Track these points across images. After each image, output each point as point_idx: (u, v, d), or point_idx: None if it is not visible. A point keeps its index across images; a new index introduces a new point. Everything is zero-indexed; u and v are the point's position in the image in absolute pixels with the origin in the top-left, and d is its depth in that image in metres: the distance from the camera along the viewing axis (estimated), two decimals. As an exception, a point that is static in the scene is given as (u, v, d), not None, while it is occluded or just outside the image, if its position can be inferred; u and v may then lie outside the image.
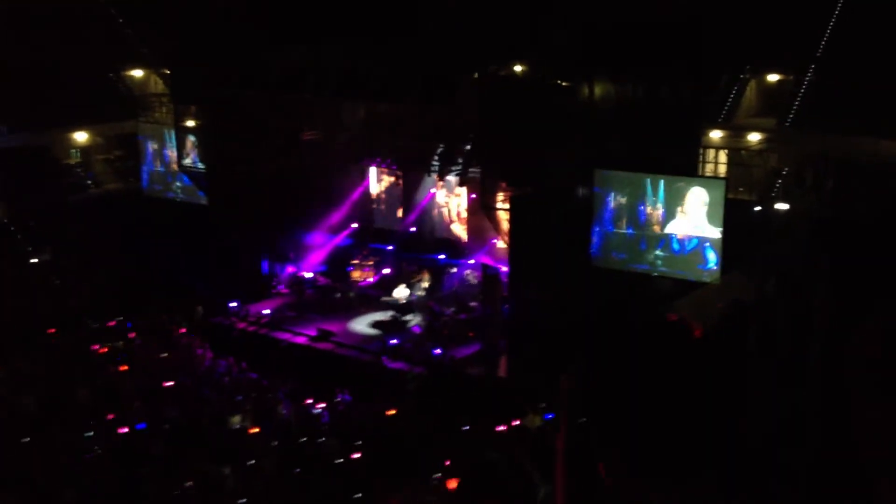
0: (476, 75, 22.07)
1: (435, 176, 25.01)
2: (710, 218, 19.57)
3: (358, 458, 17.35)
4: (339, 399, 20.28)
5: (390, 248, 28.01)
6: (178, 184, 28.13)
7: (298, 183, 26.31)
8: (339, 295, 26.47)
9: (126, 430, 18.41)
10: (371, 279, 27.52)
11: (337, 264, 28.13)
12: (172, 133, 27.25)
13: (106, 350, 22.43)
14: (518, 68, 21.97)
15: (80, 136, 30.04)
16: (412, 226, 27.90)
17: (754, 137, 22.63)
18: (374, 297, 26.31)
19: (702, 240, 19.79)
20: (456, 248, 26.98)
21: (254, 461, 17.16)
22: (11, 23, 28.04)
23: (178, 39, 26.75)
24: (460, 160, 23.08)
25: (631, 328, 18.78)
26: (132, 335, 23.47)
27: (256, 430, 18.85)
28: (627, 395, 16.08)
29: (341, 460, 17.33)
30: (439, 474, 16.19)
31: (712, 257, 19.70)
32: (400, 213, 28.37)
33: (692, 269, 20.09)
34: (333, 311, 25.67)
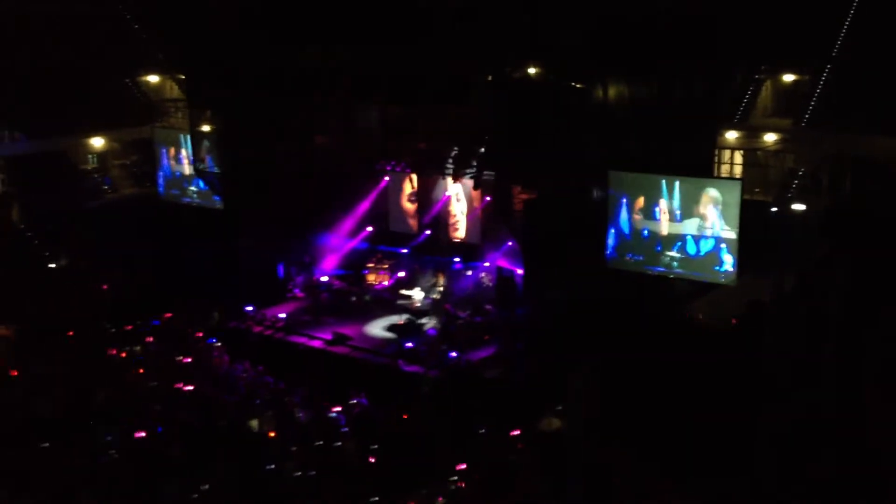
0: (490, 77, 22.05)
1: (449, 178, 25.01)
2: (726, 219, 19.50)
3: (375, 462, 17.35)
4: (355, 402, 20.30)
5: (405, 251, 28.02)
6: (193, 188, 28.25)
7: (313, 186, 26.36)
8: (354, 298, 26.50)
9: (144, 433, 18.49)
10: (386, 282, 27.54)
11: (352, 268, 28.17)
12: (188, 138, 27.37)
13: (124, 354, 22.52)
14: (532, 70, 21.94)
15: (97, 142, 30.24)
16: (427, 229, 27.90)
17: (770, 138, 22.52)
18: (389, 300, 26.33)
19: (717, 241, 19.71)
20: (471, 251, 26.95)
21: (272, 465, 17.19)
22: (28, 30, 28.23)
23: (192, 43, 26.85)
24: (474, 162, 23.07)
25: (647, 329, 18.71)
26: (149, 339, 23.56)
27: (273, 434, 18.89)
28: (642, 395, 16.02)
29: (358, 464, 17.33)
30: (456, 477, 16.18)
31: (728, 259, 19.62)
32: (415, 216, 28.36)
33: (708, 271, 20.02)
34: (349, 314, 25.70)
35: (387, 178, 28.13)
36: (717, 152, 21.75)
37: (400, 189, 28.52)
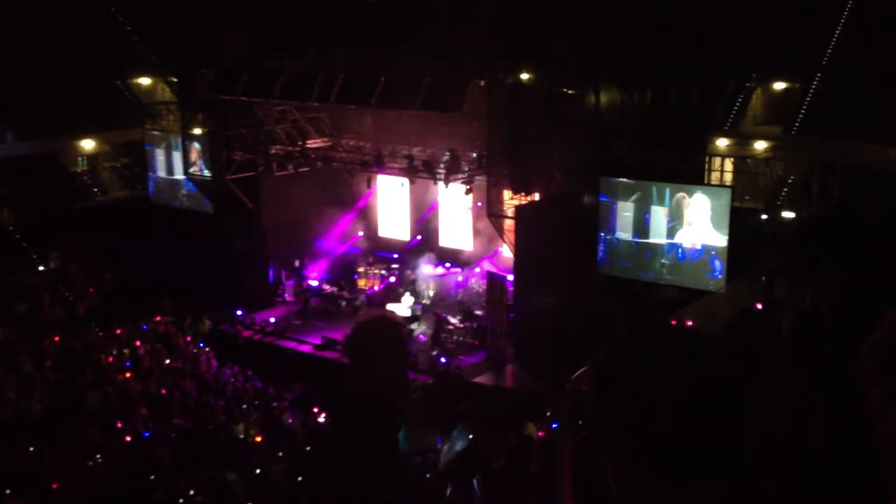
0: (483, 83, 22.08)
1: (441, 184, 24.99)
2: (716, 226, 19.54)
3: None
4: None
5: (396, 256, 27.97)
6: (184, 191, 28.15)
7: (304, 191, 26.31)
8: (344, 303, 26.43)
9: (132, 436, 18.41)
10: (376, 287, 27.47)
11: (343, 272, 28.10)
12: (179, 141, 27.30)
13: (112, 357, 22.42)
14: (525, 76, 21.98)
15: (88, 144, 30.14)
16: (418, 234, 27.87)
17: (760, 145, 22.61)
18: (379, 305, 26.25)
19: (708, 248, 19.75)
20: (461, 257, 26.93)
21: (259, 469, 17.13)
22: (19, 31, 28.14)
23: (185, 47, 26.80)
24: (466, 167, 23.07)
25: (639, 334, 18.68)
26: (138, 342, 23.46)
27: (260, 438, 18.83)
28: (635, 400, 16.01)
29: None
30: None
31: (718, 265, 19.67)
32: (406, 221, 28.33)
33: (698, 278, 20.06)
34: (339, 319, 25.62)
35: (378, 183, 28.11)
36: (708, 159, 21.81)
37: (391, 194, 28.49)
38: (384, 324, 4.40)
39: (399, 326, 4.49)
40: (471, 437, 4.11)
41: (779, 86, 23.98)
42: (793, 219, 20.15)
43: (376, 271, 27.68)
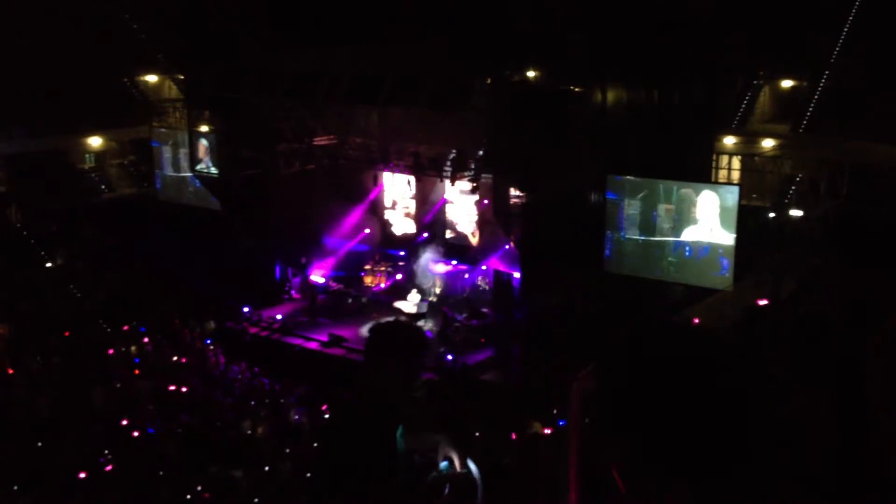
0: (489, 81, 22.07)
1: (448, 181, 25.02)
2: (724, 224, 19.52)
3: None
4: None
5: (403, 253, 28.00)
6: (191, 189, 28.22)
7: (311, 188, 26.35)
8: (351, 300, 26.47)
9: (139, 433, 18.45)
10: (383, 285, 27.51)
11: (349, 270, 28.13)
12: (186, 138, 27.35)
13: (119, 354, 22.48)
14: (531, 74, 21.97)
15: (95, 141, 30.23)
16: (424, 231, 27.89)
17: (768, 143, 22.58)
18: (386, 302, 26.31)
19: (715, 246, 19.73)
20: (468, 254, 26.94)
21: (267, 466, 17.16)
22: (27, 28, 28.22)
23: (191, 44, 26.86)
24: (473, 165, 23.07)
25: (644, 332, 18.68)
26: (145, 339, 23.54)
27: (268, 434, 18.86)
28: (640, 399, 15.99)
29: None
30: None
31: (725, 263, 19.65)
32: (412, 218, 28.37)
33: (705, 276, 20.04)
34: (345, 316, 25.67)
35: (385, 181, 28.13)
36: (715, 157, 21.78)
37: (398, 191, 28.54)
38: (409, 329, 4.45)
39: (424, 336, 4.55)
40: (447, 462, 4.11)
41: (786, 84, 23.95)
42: (800, 217, 20.12)
43: (383, 269, 27.73)
